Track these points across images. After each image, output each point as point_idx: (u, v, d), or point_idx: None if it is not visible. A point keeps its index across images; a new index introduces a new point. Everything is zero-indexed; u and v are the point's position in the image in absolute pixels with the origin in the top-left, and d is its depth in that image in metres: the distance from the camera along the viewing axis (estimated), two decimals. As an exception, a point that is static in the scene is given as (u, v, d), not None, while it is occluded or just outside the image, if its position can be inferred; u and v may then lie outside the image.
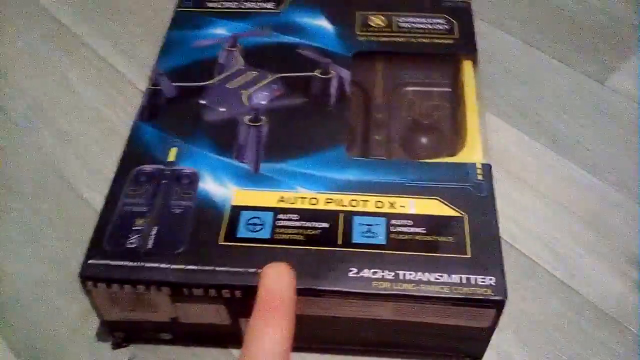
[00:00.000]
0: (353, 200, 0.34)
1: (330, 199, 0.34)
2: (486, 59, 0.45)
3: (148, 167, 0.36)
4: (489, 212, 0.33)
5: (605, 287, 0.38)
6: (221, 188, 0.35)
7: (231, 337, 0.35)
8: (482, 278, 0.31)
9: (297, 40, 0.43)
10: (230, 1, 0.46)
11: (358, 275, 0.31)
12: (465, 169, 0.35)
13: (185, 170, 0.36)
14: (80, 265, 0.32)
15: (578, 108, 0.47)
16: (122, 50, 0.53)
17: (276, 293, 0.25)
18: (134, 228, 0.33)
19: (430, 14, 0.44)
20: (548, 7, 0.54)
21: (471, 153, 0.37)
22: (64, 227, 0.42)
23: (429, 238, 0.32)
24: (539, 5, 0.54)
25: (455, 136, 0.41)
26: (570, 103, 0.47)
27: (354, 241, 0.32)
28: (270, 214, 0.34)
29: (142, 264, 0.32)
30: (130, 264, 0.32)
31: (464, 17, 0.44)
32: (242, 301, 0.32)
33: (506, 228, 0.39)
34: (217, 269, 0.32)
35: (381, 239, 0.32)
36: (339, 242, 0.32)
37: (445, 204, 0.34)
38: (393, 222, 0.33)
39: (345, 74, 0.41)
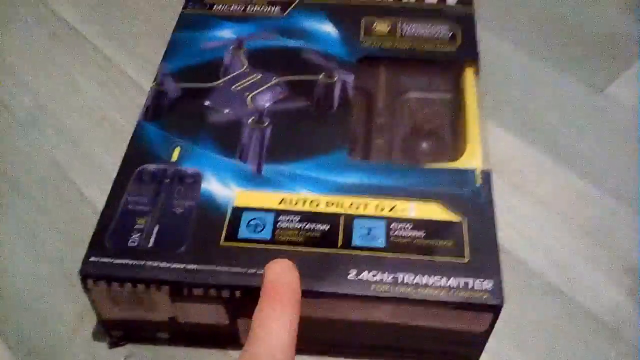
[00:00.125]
0: (354, 203, 0.34)
1: (331, 201, 0.35)
2: (488, 67, 0.45)
3: (151, 167, 0.36)
4: (487, 217, 0.34)
5: (603, 295, 0.38)
6: (224, 189, 0.35)
7: (229, 338, 0.35)
8: (480, 282, 0.31)
9: (302, 44, 0.43)
10: (237, 4, 0.47)
11: (357, 278, 0.31)
12: (465, 174, 0.36)
13: (188, 171, 0.36)
14: (81, 264, 0.32)
15: (578, 117, 0.47)
16: (128, 50, 0.53)
17: (282, 284, 0.25)
18: (135, 227, 0.34)
19: (434, 22, 0.45)
20: (549, 17, 0.54)
21: (471, 159, 0.37)
22: (66, 226, 0.42)
23: (428, 242, 0.33)
24: (541, 15, 0.54)
25: (455, 142, 0.41)
26: (570, 112, 0.47)
27: (354, 244, 0.33)
28: (272, 215, 0.34)
29: (143, 262, 0.32)
30: (131, 262, 0.32)
31: (467, 26, 0.45)
32: (241, 302, 0.32)
33: (504, 234, 0.39)
34: (218, 268, 0.32)
35: (381, 242, 0.33)
36: (339, 244, 0.33)
37: (445, 209, 0.34)
38: (393, 225, 0.33)
39: (349, 78, 0.41)
